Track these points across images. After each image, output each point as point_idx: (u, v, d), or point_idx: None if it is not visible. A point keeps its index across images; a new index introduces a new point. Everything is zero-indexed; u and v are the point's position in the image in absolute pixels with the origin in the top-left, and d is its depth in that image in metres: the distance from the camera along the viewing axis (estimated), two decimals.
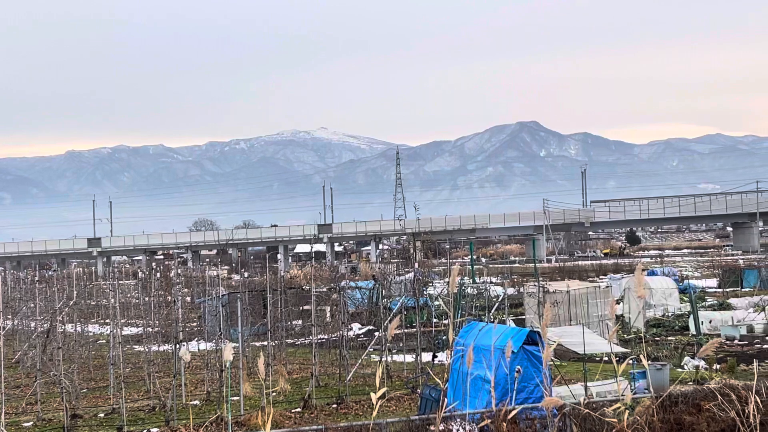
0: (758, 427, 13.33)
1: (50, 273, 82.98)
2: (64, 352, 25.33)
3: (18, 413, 25.06)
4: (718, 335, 35.00)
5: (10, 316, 37.15)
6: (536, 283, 39.03)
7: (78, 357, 32.02)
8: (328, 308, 41.95)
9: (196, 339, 37.50)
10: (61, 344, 24.82)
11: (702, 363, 27.33)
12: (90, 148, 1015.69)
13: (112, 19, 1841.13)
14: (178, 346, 24.16)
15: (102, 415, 24.09)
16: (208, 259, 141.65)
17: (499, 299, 38.76)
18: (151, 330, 33.42)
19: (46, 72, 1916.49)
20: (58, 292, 31.63)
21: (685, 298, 44.95)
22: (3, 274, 59.39)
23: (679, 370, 27.09)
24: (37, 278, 44.26)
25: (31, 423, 23.33)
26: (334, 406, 23.41)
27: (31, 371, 30.44)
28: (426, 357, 28.37)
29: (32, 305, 35.41)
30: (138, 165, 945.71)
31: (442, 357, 28.35)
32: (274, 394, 24.80)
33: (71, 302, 32.87)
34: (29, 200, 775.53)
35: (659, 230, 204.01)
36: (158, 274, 54.28)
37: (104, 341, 39.28)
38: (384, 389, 13.11)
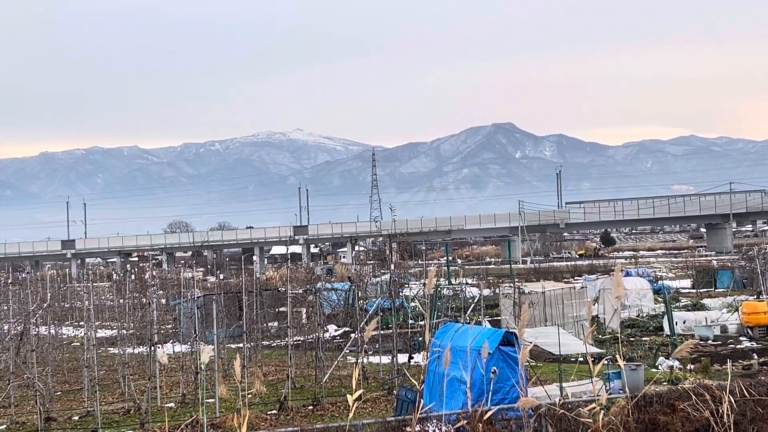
0: (732, 427, 13.43)
1: (24, 275, 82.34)
2: (37, 354, 25.14)
3: None
4: (692, 336, 35.24)
5: None
6: (512, 284, 39.14)
7: (52, 360, 31.76)
8: (304, 310, 41.85)
9: (171, 341, 37.31)
10: (35, 347, 24.63)
11: (676, 363, 27.52)
12: (64, 149, 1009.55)
13: (84, 18, 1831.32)
14: (153, 348, 24.05)
15: (76, 418, 23.93)
16: (183, 261, 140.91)
17: (475, 300, 38.87)
18: (125, 332, 33.21)
19: (19, 72, 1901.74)
20: (31, 295, 31.36)
21: (660, 299, 45.24)
22: None
23: (654, 370, 27.25)
24: (10, 280, 43.84)
25: (5, 426, 23.13)
26: (310, 407, 23.37)
27: (4, 374, 30.15)
28: (402, 358, 28.40)
29: (5, 308, 35.08)
30: (112, 166, 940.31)
31: (418, 358, 28.37)
32: (249, 396, 24.74)
33: (45, 305, 32.66)
34: (2, 202, 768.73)
35: (633, 231, 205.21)
36: (133, 276, 54.02)
37: (78, 344, 39.00)
38: (360, 391, 13.11)
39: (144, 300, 37.52)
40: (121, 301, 41.86)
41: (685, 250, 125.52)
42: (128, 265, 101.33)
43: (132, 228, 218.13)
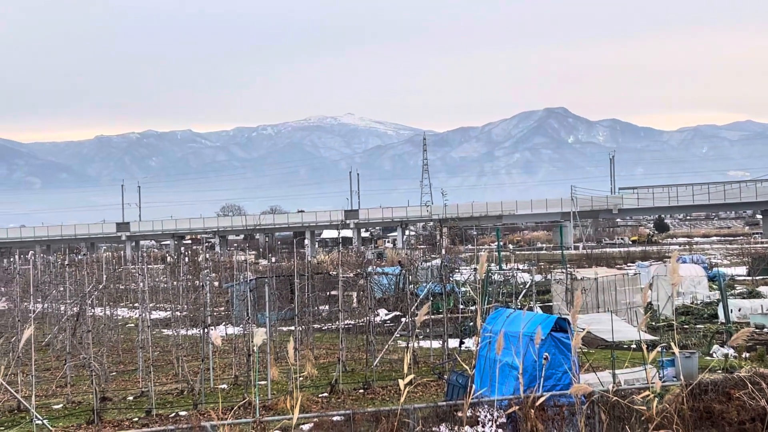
0: None
1: (80, 257, 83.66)
2: (93, 335, 25.53)
3: (48, 395, 25.30)
4: (748, 323, 34.72)
5: (40, 300, 37.49)
6: (564, 270, 38.87)
7: (107, 340, 32.26)
8: (354, 294, 42.00)
9: (224, 323, 37.67)
10: (91, 328, 25.01)
11: (731, 351, 27.14)
12: (119, 133, 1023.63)
13: (139, 5, 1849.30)
14: (206, 330, 24.29)
15: (131, 398, 24.27)
16: (235, 244, 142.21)
17: (527, 286, 38.67)
18: (179, 314, 33.62)
19: (77, 58, 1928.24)
20: (87, 276, 31.89)
21: (714, 286, 44.63)
22: (33, 257, 59.94)
23: (708, 358, 26.92)
24: (66, 262, 44.59)
25: (61, 405, 23.54)
26: (361, 391, 23.44)
27: (61, 354, 30.71)
28: (453, 343, 28.35)
29: (62, 289, 35.70)
30: (166, 150, 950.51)
31: (469, 343, 28.34)
32: (301, 378, 24.88)
33: (100, 286, 33.13)
34: (59, 185, 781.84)
35: (688, 217, 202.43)
36: (186, 259, 54.61)
37: (133, 325, 39.59)
38: (411, 375, 13.11)
39: (197, 282, 37.94)
40: (175, 283, 42.32)
41: (741, 237, 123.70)
42: (182, 248, 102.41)
43: (185, 211, 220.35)
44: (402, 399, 12.84)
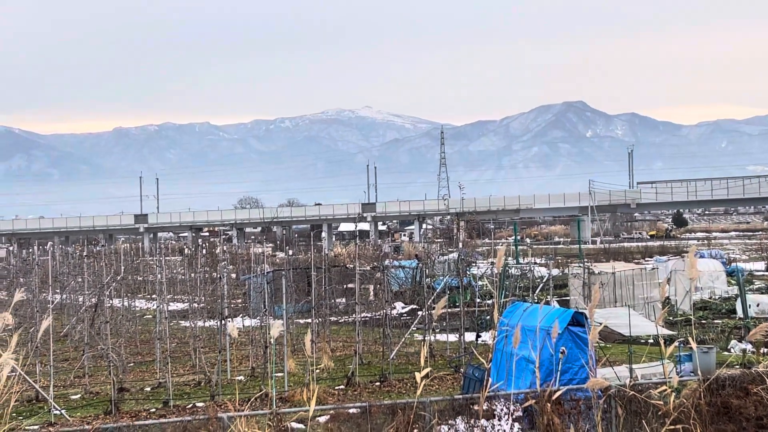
0: None
1: (98, 248, 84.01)
2: (111, 326, 25.65)
3: (66, 386, 25.45)
4: (766, 319, 34.54)
5: (58, 291, 37.75)
6: (581, 265, 38.76)
7: (125, 331, 32.39)
8: (371, 287, 42.01)
9: (241, 315, 37.78)
10: (109, 319, 25.15)
11: (749, 346, 27.00)
12: (137, 125, 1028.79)
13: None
14: (223, 322, 24.37)
15: (148, 389, 24.38)
16: (252, 237, 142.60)
17: (544, 280, 38.60)
18: (196, 306, 33.74)
19: (96, 50, 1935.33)
20: (105, 267, 32.04)
21: (733, 281, 44.40)
22: (52, 249, 60.26)
23: (726, 353, 26.79)
24: (85, 253, 44.85)
25: (79, 396, 23.68)
26: (377, 384, 23.47)
27: (79, 345, 30.89)
28: (469, 337, 28.34)
29: (80, 280, 35.92)
30: (184, 142, 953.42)
31: (486, 337, 28.30)
32: (317, 371, 24.93)
33: (119, 277, 33.30)
34: (77, 176, 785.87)
35: (706, 212, 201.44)
36: (204, 251, 54.77)
37: (151, 316, 39.74)
38: (428, 368, 13.12)
39: (215, 274, 38.07)
40: (193, 275, 42.51)
41: (760, 232, 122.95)
42: (199, 240, 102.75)
43: (203, 203, 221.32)
44: (418, 392, 12.86)
